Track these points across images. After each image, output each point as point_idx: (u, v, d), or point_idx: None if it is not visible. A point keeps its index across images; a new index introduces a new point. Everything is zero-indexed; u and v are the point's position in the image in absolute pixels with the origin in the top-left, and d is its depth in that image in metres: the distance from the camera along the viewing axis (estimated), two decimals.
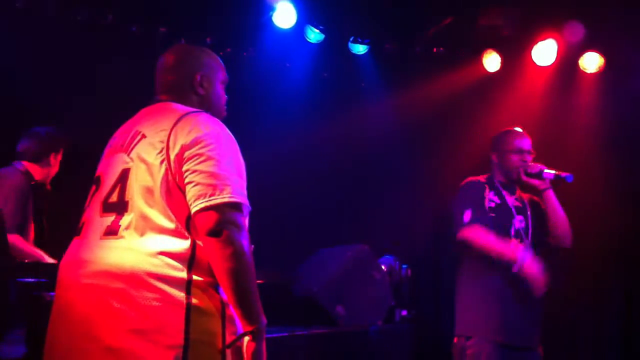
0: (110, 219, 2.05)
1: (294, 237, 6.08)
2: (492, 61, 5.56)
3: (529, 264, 3.36)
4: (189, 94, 2.27)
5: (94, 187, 2.18)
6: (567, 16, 5.11)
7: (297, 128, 5.87)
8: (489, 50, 5.52)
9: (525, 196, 3.75)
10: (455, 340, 3.59)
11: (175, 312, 1.91)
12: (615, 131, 5.50)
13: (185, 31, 5.32)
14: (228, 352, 1.97)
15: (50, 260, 3.80)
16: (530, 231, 3.61)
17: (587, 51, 5.39)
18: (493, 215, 3.54)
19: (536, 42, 5.31)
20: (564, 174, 3.49)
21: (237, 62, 5.66)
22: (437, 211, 6.05)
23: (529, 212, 3.66)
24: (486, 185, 3.63)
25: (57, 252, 3.79)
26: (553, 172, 3.52)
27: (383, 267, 4.96)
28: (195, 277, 1.96)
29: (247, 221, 2.04)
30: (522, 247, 3.45)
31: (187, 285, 1.94)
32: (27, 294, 3.67)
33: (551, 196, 3.60)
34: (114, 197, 2.07)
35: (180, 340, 1.90)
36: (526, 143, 3.67)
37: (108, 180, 2.12)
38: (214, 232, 1.93)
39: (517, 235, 3.56)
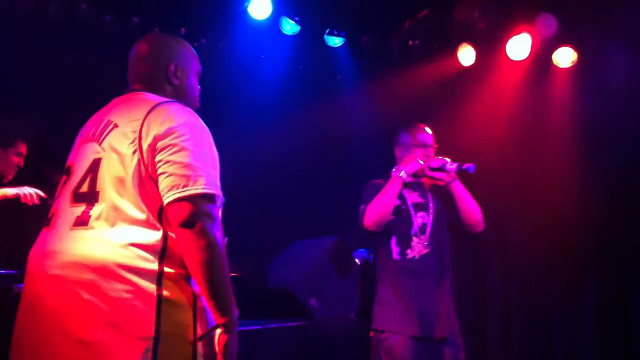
0: (80, 209, 2.02)
1: (269, 229, 6.06)
2: (466, 55, 5.58)
3: (407, 167, 3.55)
4: (163, 83, 2.25)
5: (64, 177, 2.15)
6: (541, 10, 5.13)
7: (273, 120, 5.84)
8: (464, 44, 5.54)
9: (430, 188, 3.76)
10: (371, 334, 3.63)
11: (146, 304, 1.89)
12: (589, 125, 5.55)
13: (160, 21, 5.26)
14: (199, 344, 1.96)
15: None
16: (429, 226, 3.63)
17: (560, 46, 5.42)
18: (393, 217, 3.59)
19: (511, 36, 5.33)
20: (465, 165, 3.50)
21: (211, 53, 5.61)
22: None
23: (431, 206, 3.70)
24: None
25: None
26: (456, 164, 3.54)
27: (357, 260, 4.98)
28: (166, 269, 1.94)
29: (220, 212, 2.03)
30: (395, 168, 3.58)
31: (159, 277, 1.92)
32: None
33: (457, 187, 3.62)
34: (85, 187, 2.04)
35: (151, 332, 1.88)
36: (429, 137, 3.72)
37: (78, 170, 2.09)
38: (187, 224, 1.91)
39: (421, 231, 3.61)
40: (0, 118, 4.20)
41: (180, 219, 1.92)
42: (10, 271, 3.77)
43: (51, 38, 4.91)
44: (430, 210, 3.68)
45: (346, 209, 6.22)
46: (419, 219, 3.64)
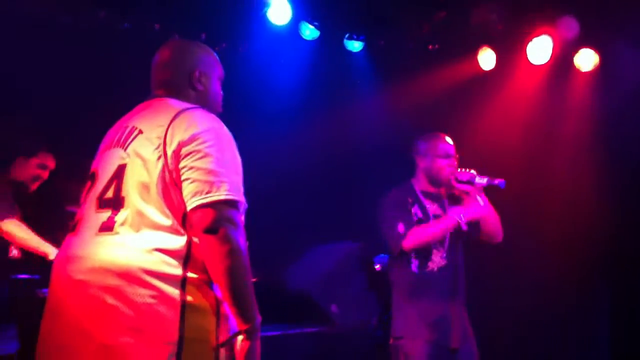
0: (105, 214, 2.03)
1: (288, 235, 6.06)
2: (487, 59, 5.54)
3: (468, 212, 3.47)
4: (187, 89, 2.26)
5: (89, 183, 2.16)
6: (561, 12, 5.09)
7: (292, 125, 5.85)
8: (484, 47, 5.50)
9: (447, 198, 3.76)
10: (391, 341, 3.64)
11: (170, 310, 1.90)
12: (609, 130, 5.49)
13: (180, 27, 5.29)
14: (222, 350, 1.97)
15: (52, 250, 3.80)
16: (447, 239, 3.62)
17: (581, 48, 5.37)
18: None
19: (531, 39, 5.29)
20: (497, 181, 3.47)
21: (231, 58, 5.62)
22: None
23: None
24: (409, 199, 3.66)
25: None
26: (485, 178, 3.51)
27: (377, 265, 4.96)
28: (190, 275, 1.95)
29: (243, 218, 2.03)
30: (453, 210, 3.52)
31: (182, 283, 1.93)
32: (20, 290, 3.66)
33: (481, 200, 3.59)
34: (110, 193, 2.06)
35: (175, 338, 1.89)
36: (451, 147, 3.69)
37: (103, 176, 2.11)
38: (211, 230, 1.92)
39: (440, 244, 3.60)
40: (30, 127, 4.23)
41: (203, 225, 1.92)
42: (34, 276, 3.81)
43: (71, 45, 4.94)
44: None
45: (366, 214, 6.24)
46: None
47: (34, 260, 3.98)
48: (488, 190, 3.60)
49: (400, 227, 3.54)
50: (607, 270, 5.69)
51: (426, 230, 3.51)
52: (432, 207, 3.69)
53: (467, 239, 3.70)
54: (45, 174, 4.16)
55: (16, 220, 3.90)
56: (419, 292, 3.56)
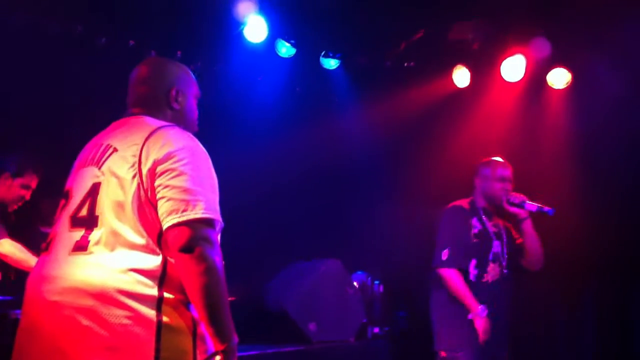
0: (79, 233, 2.00)
1: (266, 251, 6.03)
2: (461, 76, 5.59)
3: (480, 320, 3.74)
4: (164, 107, 2.25)
5: (62, 201, 2.13)
6: (534, 32, 5.16)
7: (269, 142, 5.83)
8: (459, 66, 5.55)
9: (500, 221, 4.07)
10: (443, 354, 3.86)
11: (145, 330, 1.87)
12: (584, 145, 5.56)
13: (155, 44, 5.27)
14: None
15: None
16: (505, 255, 3.96)
17: (555, 67, 5.44)
18: (477, 240, 3.89)
19: (505, 58, 5.35)
20: (546, 208, 3.80)
21: (207, 76, 5.61)
22: (409, 226, 6.05)
23: (504, 237, 4.00)
24: (469, 212, 3.97)
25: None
26: (535, 204, 3.84)
27: (355, 283, 4.94)
28: (166, 295, 1.92)
29: (219, 237, 2.01)
30: (482, 307, 3.77)
31: (158, 303, 1.90)
32: None
33: (529, 225, 3.93)
34: (84, 212, 2.03)
35: (151, 359, 1.86)
36: (508, 172, 4.01)
37: (77, 195, 2.08)
38: (186, 249, 1.90)
39: (495, 258, 3.91)
40: (17, 150, 4.17)
41: (179, 243, 1.90)
42: (7, 297, 3.74)
43: (46, 59, 4.90)
44: (504, 240, 3.99)
45: (345, 229, 6.24)
46: (496, 246, 3.94)
47: (6, 282, 3.92)
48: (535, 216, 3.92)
49: (444, 254, 3.86)
50: (588, 287, 5.74)
51: (456, 285, 3.81)
52: (489, 224, 3.99)
53: (514, 262, 4.00)
54: (28, 195, 4.10)
55: (10, 240, 3.84)
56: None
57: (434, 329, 3.96)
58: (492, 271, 3.88)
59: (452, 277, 3.83)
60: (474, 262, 3.87)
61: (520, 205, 3.86)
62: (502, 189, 3.94)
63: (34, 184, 4.10)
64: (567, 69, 5.42)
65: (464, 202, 4.04)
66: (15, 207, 4.08)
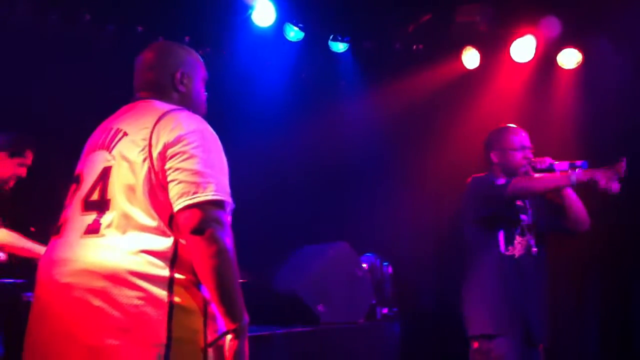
0: (91, 217, 2.02)
1: (275, 236, 6.06)
2: (471, 58, 5.58)
3: (581, 173, 3.33)
4: (170, 91, 2.26)
5: (74, 186, 2.15)
6: (544, 12, 5.13)
7: (278, 126, 5.85)
8: (468, 47, 5.54)
9: None
10: (476, 345, 3.53)
11: (157, 311, 1.89)
12: (593, 126, 5.53)
13: (163, 30, 5.28)
14: (210, 350, 1.96)
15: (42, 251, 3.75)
16: (529, 229, 3.61)
17: (565, 47, 5.41)
18: (503, 212, 3.56)
19: (514, 39, 5.33)
20: (578, 163, 3.43)
21: (216, 61, 5.62)
22: (418, 208, 6.06)
23: (529, 210, 3.66)
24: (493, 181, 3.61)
25: None
26: (566, 162, 3.48)
27: (364, 265, 4.97)
28: (177, 275, 1.94)
29: (230, 219, 2.03)
30: (563, 169, 3.45)
31: (170, 284, 1.92)
32: (4, 295, 3.64)
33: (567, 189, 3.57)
34: (95, 196, 2.05)
35: (163, 339, 1.88)
36: (526, 139, 3.66)
37: (88, 179, 2.10)
38: (197, 230, 1.92)
39: (523, 232, 3.57)
40: (13, 130, 4.17)
41: (190, 225, 1.92)
42: (19, 280, 3.78)
43: (53, 48, 4.92)
44: (530, 214, 3.65)
45: (353, 213, 6.26)
46: (523, 220, 3.61)
47: (18, 264, 3.95)
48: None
49: (500, 181, 3.51)
50: (594, 275, 5.74)
51: (532, 179, 3.49)
52: None
53: (552, 228, 3.67)
54: (24, 172, 4.11)
55: (5, 229, 3.86)
56: (505, 275, 3.50)
57: (464, 313, 3.62)
58: (519, 245, 3.54)
59: (521, 181, 3.45)
60: (501, 233, 3.53)
61: (550, 169, 3.50)
62: (524, 158, 3.58)
63: (29, 161, 4.12)
64: (578, 49, 5.40)
65: (482, 175, 3.69)
66: (12, 184, 4.09)
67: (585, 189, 3.49)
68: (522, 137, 3.64)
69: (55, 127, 4.76)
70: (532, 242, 3.59)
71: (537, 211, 3.68)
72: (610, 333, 5.67)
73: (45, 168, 4.19)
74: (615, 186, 3.30)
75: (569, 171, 3.37)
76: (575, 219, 3.61)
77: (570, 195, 3.58)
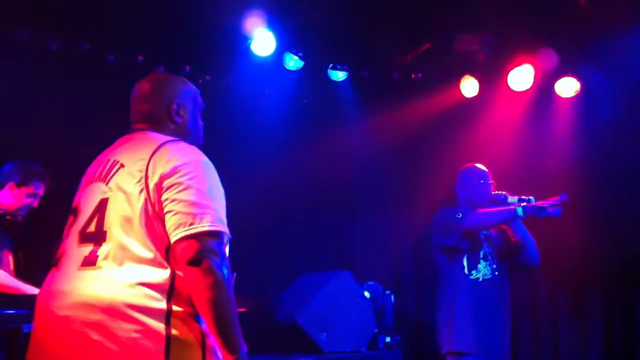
0: (88, 249, 2.02)
1: (276, 264, 6.05)
2: (469, 86, 5.61)
3: (527, 207, 3.80)
4: (166, 122, 2.27)
5: (71, 218, 2.16)
6: (542, 41, 5.17)
7: (277, 155, 5.86)
8: (467, 76, 5.57)
9: None
10: (446, 356, 3.91)
11: (154, 344, 1.88)
12: (591, 154, 5.55)
13: (164, 59, 5.32)
14: None
15: (35, 292, 3.74)
16: (492, 256, 4.04)
17: (562, 76, 5.45)
18: (468, 240, 3.97)
19: (512, 68, 5.36)
20: (527, 197, 3.89)
21: (216, 90, 5.66)
22: (418, 236, 6.05)
23: (493, 237, 4.10)
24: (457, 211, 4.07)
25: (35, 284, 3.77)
26: (516, 197, 3.94)
27: (367, 293, 4.95)
28: (174, 308, 1.94)
29: (227, 249, 2.03)
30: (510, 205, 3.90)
31: (167, 316, 1.92)
32: (5, 326, 3.62)
33: (518, 221, 4.01)
34: (92, 227, 2.05)
35: None
36: (487, 173, 4.14)
37: (86, 210, 2.10)
38: (194, 262, 1.92)
39: (486, 257, 3.99)
40: (21, 160, 4.18)
41: (187, 257, 1.92)
42: (19, 311, 3.76)
43: (54, 76, 4.95)
44: (493, 241, 4.08)
45: (354, 241, 6.25)
46: (485, 247, 4.03)
47: (19, 296, 3.94)
48: None
49: (460, 214, 3.98)
50: (594, 291, 5.73)
51: (486, 213, 3.92)
52: None
53: (508, 262, 4.08)
54: (35, 203, 4.11)
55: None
56: (470, 297, 3.90)
57: (437, 331, 4.03)
58: (483, 269, 3.97)
59: (476, 214, 3.93)
60: (465, 257, 3.98)
61: (504, 202, 3.96)
62: (484, 190, 4.06)
63: (41, 191, 4.11)
64: (576, 78, 5.43)
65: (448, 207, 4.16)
66: (25, 214, 4.08)
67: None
68: (483, 173, 4.13)
69: (54, 157, 4.77)
70: (495, 267, 4.00)
71: (498, 240, 4.11)
72: (613, 347, 5.66)
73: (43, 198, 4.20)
74: (558, 212, 3.78)
75: (517, 204, 3.83)
76: (526, 255, 4.06)
77: (520, 227, 4.02)
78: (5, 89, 4.64)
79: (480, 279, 3.95)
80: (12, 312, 3.72)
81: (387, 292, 5.31)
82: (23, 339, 3.40)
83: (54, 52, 5.04)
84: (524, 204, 3.79)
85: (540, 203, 3.76)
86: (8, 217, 4.02)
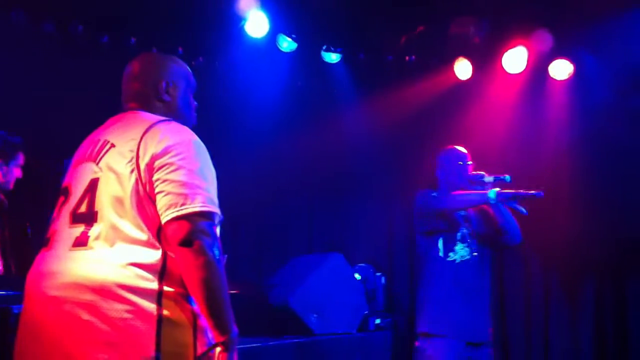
0: (79, 229, 2.01)
1: (268, 247, 6.06)
2: (463, 69, 5.60)
3: (500, 194, 3.78)
4: (155, 101, 2.25)
5: (62, 198, 2.14)
6: (536, 24, 5.17)
7: (271, 137, 5.85)
8: (460, 58, 5.56)
9: None
10: (417, 343, 3.97)
11: (146, 324, 1.88)
12: (584, 137, 5.56)
13: (156, 41, 5.29)
14: None
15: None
16: (471, 236, 4.04)
17: (556, 59, 5.44)
18: (442, 219, 3.99)
19: (506, 50, 5.36)
20: (502, 176, 3.92)
21: (209, 71, 5.64)
22: (410, 218, 6.06)
23: (472, 218, 4.10)
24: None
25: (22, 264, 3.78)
26: (492, 177, 3.96)
27: (358, 275, 4.97)
28: (166, 288, 1.94)
29: (218, 230, 2.03)
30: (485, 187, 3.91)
31: (158, 297, 1.92)
32: None
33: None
34: (83, 208, 2.04)
35: (152, 352, 1.88)
36: (465, 155, 4.16)
37: (76, 191, 2.09)
38: (186, 242, 1.91)
39: (463, 239, 4.00)
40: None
41: (178, 237, 1.92)
42: (8, 292, 3.76)
43: (47, 58, 4.92)
44: (472, 222, 4.07)
45: (347, 223, 6.27)
46: (463, 228, 4.03)
47: (9, 276, 3.93)
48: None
49: (435, 196, 4.04)
50: (587, 284, 5.77)
51: (460, 195, 3.94)
52: None
53: (490, 242, 4.08)
54: (20, 173, 4.10)
55: None
56: (446, 280, 3.92)
57: (416, 312, 4.09)
58: (460, 251, 3.98)
59: (452, 196, 3.96)
60: (441, 240, 3.99)
61: (481, 182, 3.97)
62: (463, 170, 4.08)
63: (21, 161, 4.11)
64: (569, 61, 5.43)
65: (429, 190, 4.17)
66: (11, 187, 4.07)
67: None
68: (462, 154, 4.15)
69: (46, 137, 4.76)
70: (474, 247, 4.01)
71: (478, 220, 4.10)
72: (606, 339, 5.70)
73: (35, 177, 4.19)
74: (523, 209, 3.81)
75: (490, 190, 3.83)
76: (506, 234, 4.04)
77: (499, 210, 4.00)
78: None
79: (458, 261, 3.96)
80: (2, 292, 3.73)
81: (378, 274, 5.34)
82: (13, 320, 3.41)
83: (47, 34, 5.01)
84: (497, 189, 3.78)
85: (514, 191, 3.77)
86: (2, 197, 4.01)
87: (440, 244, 3.98)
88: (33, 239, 4.06)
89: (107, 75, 4.65)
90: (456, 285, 3.90)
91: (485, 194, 3.80)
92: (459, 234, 4.00)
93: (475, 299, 3.94)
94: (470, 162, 4.14)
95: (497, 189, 3.79)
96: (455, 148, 4.21)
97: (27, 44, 4.88)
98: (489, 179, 3.95)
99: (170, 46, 5.27)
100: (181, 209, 1.93)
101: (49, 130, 4.83)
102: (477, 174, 4.03)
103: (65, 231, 2.05)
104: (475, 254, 3.99)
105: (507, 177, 3.90)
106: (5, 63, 4.66)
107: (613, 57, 5.17)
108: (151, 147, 2.01)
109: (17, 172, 4.04)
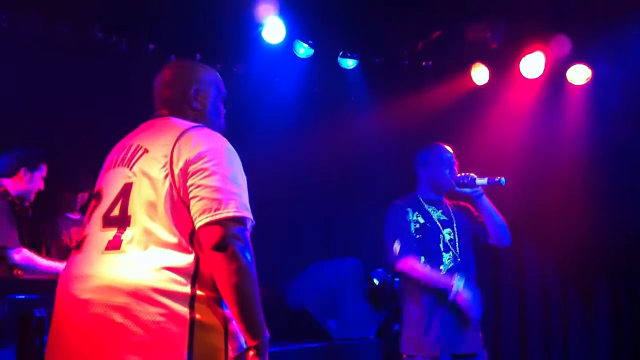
0: (111, 233, 2.03)
1: (286, 252, 6.06)
2: (480, 74, 5.60)
3: (461, 294, 3.45)
4: (185, 108, 2.27)
5: (93, 202, 2.16)
6: (553, 29, 5.17)
7: (288, 142, 5.87)
8: (477, 63, 5.56)
9: (451, 205, 3.82)
10: (404, 357, 3.63)
11: (178, 327, 1.90)
12: (601, 142, 5.56)
13: (175, 47, 5.32)
14: None
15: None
16: (456, 242, 3.68)
17: (574, 64, 5.43)
18: (420, 236, 3.62)
19: (524, 55, 5.35)
20: (497, 179, 3.58)
21: (226, 78, 5.62)
22: None
23: (455, 223, 3.74)
24: (408, 209, 3.69)
25: None
26: (485, 178, 3.62)
27: (375, 280, 4.97)
28: (198, 292, 1.95)
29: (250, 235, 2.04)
30: (454, 277, 3.50)
31: (191, 300, 1.93)
32: (17, 310, 3.65)
33: (485, 201, 3.69)
34: (116, 211, 2.06)
35: (184, 356, 1.89)
36: (450, 153, 3.79)
37: (109, 195, 2.11)
38: (219, 247, 1.93)
39: (446, 248, 3.64)
40: (25, 144, 4.21)
41: (212, 242, 1.93)
42: (30, 296, 3.79)
43: (66, 64, 4.95)
44: (455, 227, 3.72)
45: (363, 229, 6.26)
46: (446, 234, 3.68)
47: (31, 280, 3.97)
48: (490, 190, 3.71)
49: (396, 249, 3.59)
50: (603, 289, 5.76)
51: (419, 271, 3.56)
52: (436, 213, 3.73)
53: (476, 244, 3.77)
54: (42, 185, 4.15)
55: (26, 250, 3.89)
56: (431, 296, 3.55)
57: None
58: (447, 262, 3.62)
59: (411, 265, 3.54)
60: (423, 257, 3.60)
61: (471, 184, 3.64)
62: (448, 172, 3.72)
63: (44, 173, 4.16)
64: (587, 66, 5.42)
65: (402, 200, 3.78)
66: (32, 198, 4.12)
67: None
68: (448, 153, 3.78)
69: (68, 143, 4.79)
70: (458, 252, 3.65)
71: (464, 223, 3.75)
72: (623, 341, 5.69)
73: (57, 183, 4.22)
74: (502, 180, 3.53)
75: (453, 286, 3.45)
76: (494, 233, 3.71)
77: (489, 208, 3.70)
78: (16, 77, 4.66)
79: (443, 272, 3.58)
80: (23, 297, 3.76)
81: (396, 279, 5.33)
82: (35, 323, 3.43)
83: (66, 41, 5.04)
84: (461, 286, 3.44)
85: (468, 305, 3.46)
86: (17, 202, 4.05)
87: (425, 261, 3.60)
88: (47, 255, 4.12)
89: (126, 82, 4.72)
90: (439, 298, 3.52)
91: (449, 288, 3.45)
92: (440, 245, 3.63)
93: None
94: (456, 162, 3.78)
95: (461, 286, 3.44)
96: (440, 145, 3.84)
97: (45, 51, 4.92)
98: (481, 181, 3.62)
99: (188, 52, 5.29)
100: (215, 214, 1.95)
101: (68, 136, 4.87)
102: (466, 175, 3.68)
103: (97, 234, 2.06)
104: (460, 259, 3.65)
105: (502, 179, 3.57)
106: (22, 69, 4.69)
107: (631, 62, 5.16)
108: (185, 152, 2.03)
109: (40, 184, 4.09)
